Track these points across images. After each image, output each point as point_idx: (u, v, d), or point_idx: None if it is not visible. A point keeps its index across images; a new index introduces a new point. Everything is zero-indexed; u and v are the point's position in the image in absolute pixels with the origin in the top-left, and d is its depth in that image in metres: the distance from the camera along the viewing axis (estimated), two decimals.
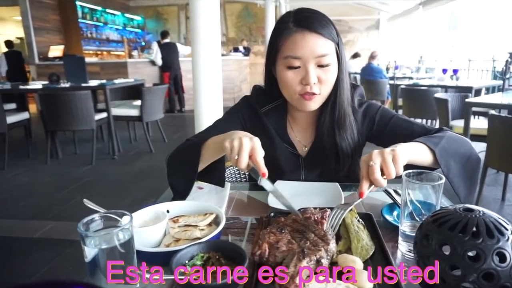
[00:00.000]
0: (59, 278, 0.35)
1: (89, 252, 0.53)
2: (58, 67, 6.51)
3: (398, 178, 0.75)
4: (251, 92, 1.17)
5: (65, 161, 4.35)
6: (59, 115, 3.94)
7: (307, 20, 0.94)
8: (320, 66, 0.95)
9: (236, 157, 0.76)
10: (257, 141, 0.78)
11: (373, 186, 0.75)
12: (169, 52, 7.45)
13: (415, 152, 0.85)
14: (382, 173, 0.74)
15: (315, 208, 0.76)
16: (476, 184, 0.93)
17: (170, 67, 7.52)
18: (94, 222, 0.57)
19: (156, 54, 7.47)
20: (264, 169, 0.76)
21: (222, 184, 0.97)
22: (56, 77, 4.89)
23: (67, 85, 4.56)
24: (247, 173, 1.36)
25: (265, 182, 0.77)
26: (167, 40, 7.60)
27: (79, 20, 9.63)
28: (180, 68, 7.70)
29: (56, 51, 8.03)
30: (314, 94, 0.97)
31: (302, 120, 1.12)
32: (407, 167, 0.80)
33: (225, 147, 0.79)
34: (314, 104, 1.00)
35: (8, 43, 8.19)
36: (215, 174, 0.97)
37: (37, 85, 4.90)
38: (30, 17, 8.07)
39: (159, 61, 7.48)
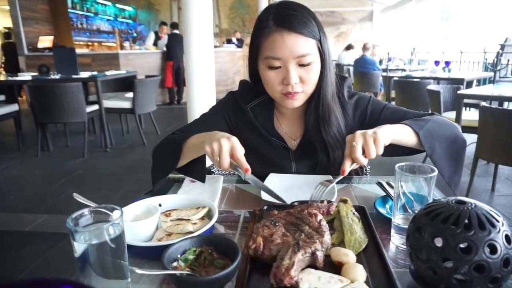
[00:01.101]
0: (45, 276, 0.34)
1: (79, 247, 0.52)
2: (48, 58, 6.39)
3: (383, 156, 0.84)
4: (238, 87, 1.16)
5: (56, 154, 4.31)
6: (50, 107, 3.88)
7: (287, 19, 0.92)
8: (302, 65, 0.94)
9: (218, 159, 0.80)
10: (235, 140, 0.81)
11: (355, 164, 0.81)
12: (175, 42, 7.53)
13: (399, 133, 0.88)
14: (364, 153, 0.79)
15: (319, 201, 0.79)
16: (461, 165, 0.96)
17: (173, 57, 7.65)
18: (83, 217, 0.56)
19: (148, 41, 8.15)
20: (246, 165, 0.80)
21: (203, 179, 0.99)
22: (46, 68, 4.82)
23: (57, 76, 4.48)
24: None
25: (249, 177, 0.81)
26: (176, 31, 7.68)
27: (69, 10, 9.46)
28: (183, 60, 7.65)
29: (45, 41, 7.88)
30: (296, 92, 0.96)
31: (289, 115, 1.12)
32: (392, 148, 0.87)
33: (206, 151, 0.82)
34: (297, 102, 1.00)
35: (7, 34, 8.08)
36: (196, 169, 0.99)
37: (26, 76, 4.82)
38: (18, 6, 7.88)
39: (163, 47, 7.79)
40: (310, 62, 0.94)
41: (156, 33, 8.24)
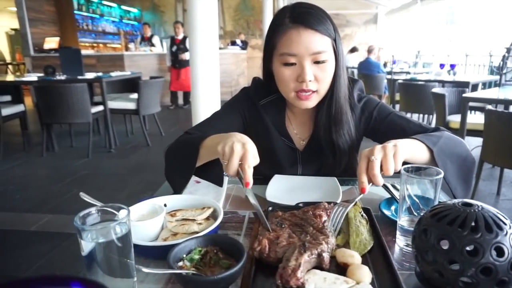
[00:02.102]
0: (55, 273, 0.34)
1: (86, 246, 0.53)
2: (54, 59, 6.45)
3: (397, 173, 0.74)
4: (250, 84, 1.16)
5: (61, 154, 4.33)
6: (55, 108, 3.91)
7: (302, 16, 0.92)
8: (317, 62, 0.94)
9: (226, 163, 0.75)
10: (250, 147, 0.75)
11: (370, 184, 0.73)
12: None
13: (414, 149, 0.84)
14: (381, 169, 0.73)
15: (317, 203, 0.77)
16: (471, 184, 0.93)
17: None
18: (90, 216, 0.56)
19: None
20: (248, 179, 0.72)
21: (220, 183, 0.94)
22: (51, 69, 4.84)
23: (63, 77, 4.51)
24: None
25: (249, 193, 0.74)
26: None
27: (75, 12, 9.53)
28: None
29: (51, 43, 7.95)
30: (310, 92, 0.96)
31: (300, 114, 1.12)
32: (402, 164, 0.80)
33: (218, 151, 0.78)
34: (311, 102, 0.99)
35: None
36: (212, 172, 0.94)
37: (32, 77, 4.85)
38: (25, 8, 7.96)
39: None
40: (325, 60, 0.94)
41: (171, 38, 7.20)
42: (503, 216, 0.54)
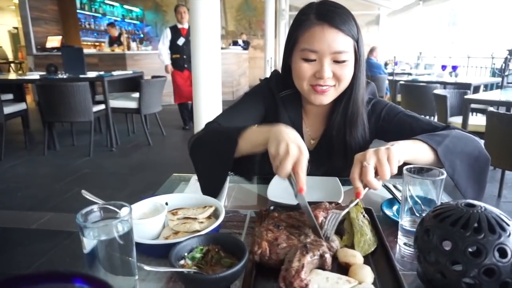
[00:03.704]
0: (58, 269, 0.35)
1: (88, 243, 0.53)
2: (56, 58, 6.45)
3: (399, 174, 0.73)
4: (270, 76, 1.14)
5: (62, 152, 4.33)
6: (57, 107, 3.91)
7: (328, 14, 0.92)
8: (336, 62, 0.93)
9: (279, 163, 0.71)
10: (305, 151, 0.72)
11: (367, 188, 0.71)
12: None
13: (414, 151, 0.80)
14: (376, 174, 0.70)
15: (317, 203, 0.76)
16: (485, 186, 0.87)
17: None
18: (92, 213, 0.56)
19: (163, 43, 6.00)
20: (302, 184, 0.69)
21: (250, 179, 0.91)
22: (54, 68, 4.85)
23: (65, 76, 4.52)
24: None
25: (300, 198, 0.69)
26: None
27: (78, 11, 9.54)
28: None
29: (54, 41, 7.95)
30: (328, 86, 0.95)
31: (313, 113, 1.11)
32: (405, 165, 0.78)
33: (270, 152, 0.74)
34: (327, 98, 0.98)
35: None
36: (244, 166, 0.91)
37: (34, 75, 4.86)
38: (27, 6, 7.97)
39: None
40: (345, 60, 0.93)
41: (174, 28, 5.09)
42: (506, 217, 0.54)
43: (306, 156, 0.71)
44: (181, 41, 5.04)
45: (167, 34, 5.08)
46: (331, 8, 0.94)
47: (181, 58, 5.08)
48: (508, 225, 0.53)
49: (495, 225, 0.52)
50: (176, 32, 5.06)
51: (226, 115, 1.06)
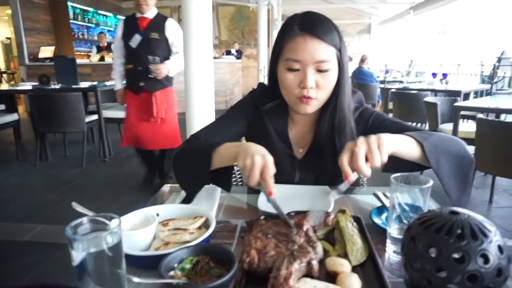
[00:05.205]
0: (46, 282, 0.35)
1: (77, 256, 0.53)
2: (49, 68, 6.44)
3: (383, 172, 0.78)
4: (255, 89, 1.17)
5: (55, 163, 4.30)
6: (49, 117, 3.90)
7: (311, 25, 0.95)
8: (320, 71, 0.96)
9: (248, 175, 0.78)
10: (269, 158, 0.79)
11: (355, 172, 0.75)
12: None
13: (401, 143, 0.84)
14: (366, 161, 0.74)
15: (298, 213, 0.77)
16: (470, 186, 0.90)
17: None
18: (82, 226, 0.56)
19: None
20: (270, 188, 0.76)
21: (228, 189, 0.97)
22: (46, 78, 4.83)
23: (58, 86, 4.51)
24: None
25: (272, 201, 0.77)
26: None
27: (71, 21, 9.54)
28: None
29: (46, 51, 7.94)
30: (310, 98, 0.98)
31: (301, 122, 1.13)
32: (393, 162, 0.82)
33: (239, 165, 0.81)
34: (310, 107, 1.01)
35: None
36: (222, 178, 0.97)
37: (27, 86, 4.84)
38: (20, 17, 7.96)
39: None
40: (328, 69, 0.96)
41: (129, 20, 2.98)
42: (489, 224, 0.56)
43: (270, 163, 0.78)
44: (135, 40, 2.83)
45: (119, 29, 2.96)
46: (313, 19, 0.97)
47: (134, 70, 2.86)
48: (490, 231, 0.54)
49: (477, 232, 0.53)
50: (131, 26, 2.87)
51: (210, 129, 1.11)
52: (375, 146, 0.74)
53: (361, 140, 0.76)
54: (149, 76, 2.84)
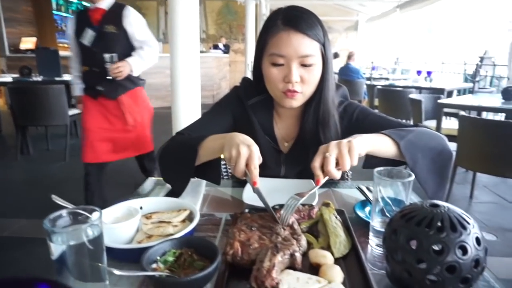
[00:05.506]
0: (17, 275, 0.34)
1: (56, 249, 0.52)
2: (30, 60, 6.26)
3: (364, 168, 0.82)
4: (240, 83, 1.17)
5: (36, 157, 4.21)
6: (31, 110, 3.80)
7: (294, 20, 0.95)
8: (304, 65, 0.96)
9: (234, 165, 0.78)
10: (255, 148, 0.79)
11: (326, 177, 0.76)
12: None
13: (376, 143, 0.87)
14: (338, 164, 0.76)
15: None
16: (447, 180, 0.92)
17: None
18: (62, 218, 0.55)
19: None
20: (255, 179, 0.77)
21: (218, 182, 0.97)
22: (27, 70, 4.71)
23: (39, 78, 4.40)
24: (230, 171, 1.36)
25: (256, 190, 0.77)
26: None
27: (54, 12, 9.31)
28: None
29: (28, 43, 7.73)
30: (295, 92, 0.98)
31: (286, 116, 1.13)
32: (372, 159, 0.86)
33: (225, 156, 0.82)
34: (296, 102, 1.01)
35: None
36: (211, 172, 0.97)
37: (7, 78, 4.71)
38: (0, 7, 7.73)
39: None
40: (312, 64, 0.96)
41: (81, 14, 2.43)
42: (468, 217, 0.57)
43: (256, 153, 0.79)
44: (88, 37, 2.29)
45: (70, 25, 2.40)
46: (297, 13, 0.97)
47: (90, 72, 2.38)
48: (469, 223, 0.55)
49: (456, 224, 0.54)
50: (82, 21, 2.34)
51: (195, 126, 1.11)
52: (346, 150, 0.76)
53: (332, 145, 0.78)
54: (107, 78, 2.28)
